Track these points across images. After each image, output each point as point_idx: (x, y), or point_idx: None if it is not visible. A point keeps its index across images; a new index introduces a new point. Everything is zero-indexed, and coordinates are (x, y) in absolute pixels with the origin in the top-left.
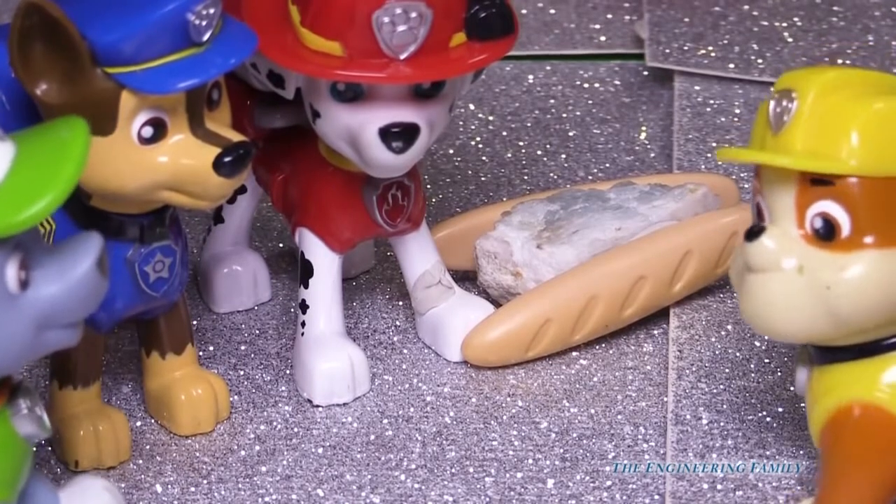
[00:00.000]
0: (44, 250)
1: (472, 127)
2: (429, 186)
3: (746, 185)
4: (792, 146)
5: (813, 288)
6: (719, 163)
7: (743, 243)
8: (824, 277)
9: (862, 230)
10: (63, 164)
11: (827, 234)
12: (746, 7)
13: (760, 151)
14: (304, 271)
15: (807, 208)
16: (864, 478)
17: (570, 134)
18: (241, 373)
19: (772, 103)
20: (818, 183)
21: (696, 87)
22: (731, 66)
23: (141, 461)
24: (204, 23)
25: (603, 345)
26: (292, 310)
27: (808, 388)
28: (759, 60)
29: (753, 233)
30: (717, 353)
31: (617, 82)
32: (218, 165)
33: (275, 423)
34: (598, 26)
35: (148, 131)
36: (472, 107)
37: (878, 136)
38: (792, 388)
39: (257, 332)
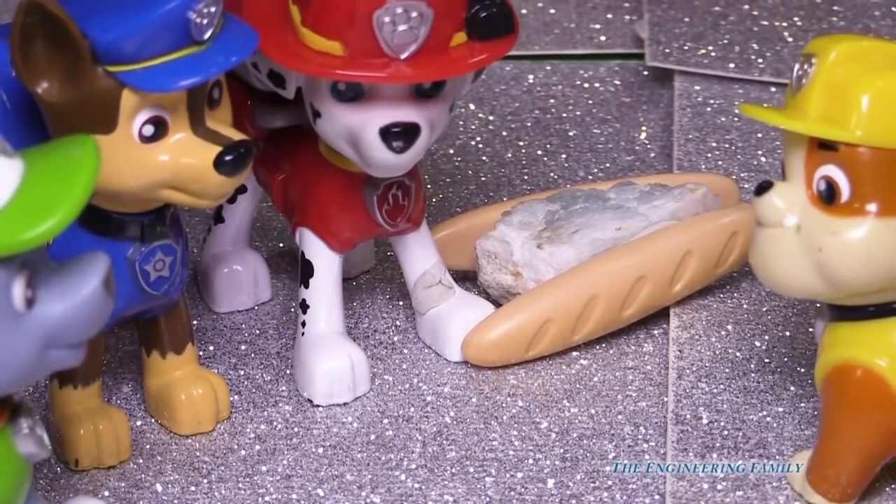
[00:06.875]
0: (50, 269)
1: (472, 127)
2: (429, 186)
3: (747, 185)
4: (806, 109)
5: (807, 248)
6: (719, 163)
7: (752, 196)
8: (818, 239)
9: (860, 197)
10: (73, 183)
11: (829, 197)
12: (746, 7)
13: (775, 112)
14: (305, 271)
15: (815, 170)
16: (861, 427)
17: (570, 134)
18: (242, 372)
19: (796, 66)
20: (825, 147)
21: (697, 87)
22: (732, 65)
23: (141, 460)
24: (205, 21)
25: (603, 345)
26: (292, 310)
27: (821, 338)
28: (759, 60)
29: (762, 188)
30: (717, 353)
31: (617, 82)
32: (219, 164)
33: (275, 423)
34: (598, 26)
35: (149, 130)
36: (472, 107)
37: (886, 109)
38: (792, 388)
39: (257, 331)
